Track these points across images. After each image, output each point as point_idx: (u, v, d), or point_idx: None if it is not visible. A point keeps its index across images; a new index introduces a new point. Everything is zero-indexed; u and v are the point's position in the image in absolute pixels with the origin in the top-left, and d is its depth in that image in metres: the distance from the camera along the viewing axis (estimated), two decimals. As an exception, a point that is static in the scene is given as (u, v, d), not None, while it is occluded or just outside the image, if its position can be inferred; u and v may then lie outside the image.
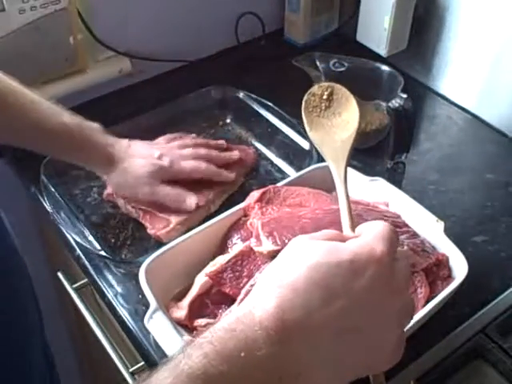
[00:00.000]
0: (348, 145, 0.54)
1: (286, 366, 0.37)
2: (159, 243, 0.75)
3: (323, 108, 0.58)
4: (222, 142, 0.88)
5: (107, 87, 1.01)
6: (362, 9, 1.02)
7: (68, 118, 0.73)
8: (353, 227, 0.47)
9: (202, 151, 0.82)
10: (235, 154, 0.85)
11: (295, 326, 0.37)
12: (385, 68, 0.91)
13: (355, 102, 0.57)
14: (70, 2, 0.89)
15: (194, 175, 0.79)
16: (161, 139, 0.84)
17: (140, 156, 0.77)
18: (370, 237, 0.42)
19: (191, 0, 1.05)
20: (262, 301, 0.38)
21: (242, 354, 0.36)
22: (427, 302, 0.64)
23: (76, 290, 0.84)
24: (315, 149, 0.54)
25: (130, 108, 0.95)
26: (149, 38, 1.03)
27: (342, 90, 0.57)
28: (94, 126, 0.76)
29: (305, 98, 0.57)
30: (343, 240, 0.43)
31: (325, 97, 0.58)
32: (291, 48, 1.12)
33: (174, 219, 0.76)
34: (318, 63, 0.89)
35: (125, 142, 0.78)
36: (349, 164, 0.53)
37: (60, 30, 0.90)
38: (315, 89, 0.57)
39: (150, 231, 0.76)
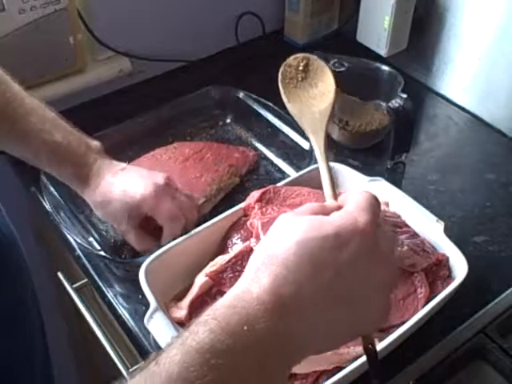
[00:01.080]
0: (325, 116, 0.56)
1: (284, 337, 0.40)
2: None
3: (299, 79, 0.59)
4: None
5: (107, 87, 1.01)
6: (362, 9, 1.02)
7: (60, 133, 0.70)
8: (334, 196, 0.50)
9: (184, 204, 0.73)
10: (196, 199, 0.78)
11: (289, 299, 0.40)
12: (385, 68, 0.91)
13: (331, 72, 0.59)
14: (70, 2, 0.89)
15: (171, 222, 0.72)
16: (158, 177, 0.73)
17: (123, 188, 0.70)
18: (353, 207, 0.44)
19: (191, 0, 1.05)
20: (257, 279, 0.41)
21: (245, 328, 0.38)
22: (427, 301, 0.64)
23: (76, 289, 0.84)
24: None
25: (130, 108, 0.95)
26: (149, 38, 1.03)
27: (317, 61, 0.59)
28: (91, 144, 0.73)
29: (281, 69, 0.59)
30: (327, 212, 0.45)
31: (301, 68, 0.60)
32: (291, 48, 1.12)
33: None
34: (318, 63, 0.89)
35: (119, 165, 0.73)
36: (327, 135, 0.55)
37: (60, 29, 0.90)
38: (291, 60, 0.59)
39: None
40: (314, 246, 0.41)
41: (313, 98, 0.58)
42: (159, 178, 0.72)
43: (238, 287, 0.42)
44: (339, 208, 0.46)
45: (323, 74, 0.59)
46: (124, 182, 0.71)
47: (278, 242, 0.43)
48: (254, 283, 0.41)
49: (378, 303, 0.44)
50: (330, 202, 0.49)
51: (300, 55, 0.59)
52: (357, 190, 0.46)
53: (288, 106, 0.57)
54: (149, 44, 1.03)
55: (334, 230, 0.42)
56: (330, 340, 0.44)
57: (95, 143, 0.74)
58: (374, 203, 0.45)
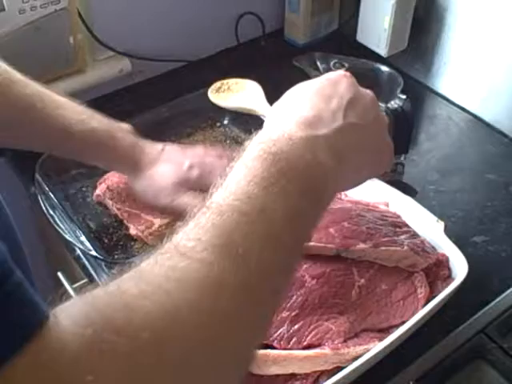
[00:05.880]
0: (260, 93, 0.77)
1: (322, 143, 0.47)
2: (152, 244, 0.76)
3: (226, 88, 0.81)
4: None
5: (107, 87, 1.01)
6: (362, 9, 1.02)
7: (96, 121, 0.71)
8: None
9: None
10: None
11: (312, 118, 0.48)
12: (385, 69, 0.91)
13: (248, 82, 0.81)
14: (70, 2, 0.89)
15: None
16: (200, 148, 0.79)
17: (169, 163, 0.74)
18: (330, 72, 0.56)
19: (191, 0, 1.05)
20: (278, 120, 0.49)
21: (286, 136, 0.45)
22: (427, 301, 0.64)
23: (76, 290, 0.84)
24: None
25: (130, 108, 0.95)
26: (149, 38, 1.03)
27: (231, 80, 0.83)
28: (124, 128, 0.74)
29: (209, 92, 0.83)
30: None
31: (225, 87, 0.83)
32: (291, 48, 1.12)
33: (157, 221, 0.76)
34: (318, 63, 0.89)
35: (158, 146, 0.75)
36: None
37: (60, 29, 0.90)
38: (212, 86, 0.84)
39: (132, 232, 0.77)
40: (314, 87, 0.52)
41: (242, 93, 0.79)
42: (197, 149, 0.79)
43: (265, 126, 0.49)
44: None
45: (240, 84, 0.81)
46: (169, 157, 0.75)
47: (282, 102, 0.52)
48: (279, 118, 0.49)
49: (380, 135, 0.55)
50: None
51: (218, 82, 0.83)
52: None
53: (226, 104, 0.80)
54: (149, 44, 1.03)
55: (323, 77, 0.54)
56: (356, 159, 0.51)
57: (126, 126, 0.76)
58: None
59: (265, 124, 0.50)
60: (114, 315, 0.33)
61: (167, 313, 0.34)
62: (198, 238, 0.38)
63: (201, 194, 0.72)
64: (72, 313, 0.32)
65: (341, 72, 0.54)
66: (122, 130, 0.74)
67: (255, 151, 0.44)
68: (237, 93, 0.79)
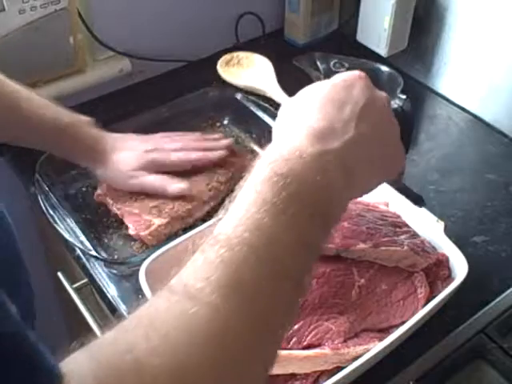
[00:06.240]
0: (270, 71, 0.77)
1: (331, 156, 0.45)
2: (152, 244, 0.76)
3: (235, 62, 0.79)
4: (218, 134, 0.89)
5: (107, 87, 1.01)
6: (362, 9, 1.02)
7: (58, 112, 0.74)
8: None
9: (193, 143, 0.83)
10: (225, 142, 0.86)
11: (324, 130, 0.46)
12: (385, 69, 0.91)
13: (259, 57, 0.80)
14: (70, 2, 0.89)
15: (185, 166, 0.80)
16: (157, 135, 0.85)
17: (131, 149, 0.78)
18: (342, 73, 0.52)
19: (191, 0, 1.05)
20: (290, 130, 0.47)
21: (297, 153, 0.44)
22: (427, 301, 0.64)
23: (76, 289, 0.84)
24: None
25: (130, 108, 0.95)
26: (149, 38, 1.03)
27: (241, 53, 0.81)
28: (84, 120, 0.77)
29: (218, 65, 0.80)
30: None
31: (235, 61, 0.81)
32: (291, 48, 1.12)
33: (157, 221, 0.77)
34: (318, 63, 0.89)
35: (116, 135, 0.79)
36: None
37: (60, 29, 0.90)
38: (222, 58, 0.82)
39: (132, 232, 0.77)
40: (327, 91, 0.49)
41: (252, 69, 0.76)
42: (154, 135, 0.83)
43: (275, 140, 0.47)
44: None
45: (250, 58, 0.78)
46: (129, 145, 0.79)
47: (293, 107, 0.50)
48: (289, 131, 0.47)
49: (393, 140, 0.54)
50: None
51: (227, 55, 0.80)
52: None
53: (235, 81, 0.74)
54: (149, 44, 1.03)
55: (337, 79, 0.50)
56: (368, 169, 0.50)
57: (86, 118, 0.78)
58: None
59: (274, 132, 0.49)
60: (124, 375, 0.33)
61: (176, 370, 0.35)
62: (207, 278, 0.38)
63: (164, 175, 0.78)
64: (81, 373, 0.32)
65: (355, 73, 0.51)
66: (82, 122, 0.77)
67: (265, 172, 0.43)
68: (247, 68, 0.77)
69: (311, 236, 0.43)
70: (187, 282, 0.38)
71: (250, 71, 0.76)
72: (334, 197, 0.45)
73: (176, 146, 0.81)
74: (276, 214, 0.40)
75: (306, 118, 0.47)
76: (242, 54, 0.78)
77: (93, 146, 0.77)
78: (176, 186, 0.78)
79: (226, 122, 0.96)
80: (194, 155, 0.81)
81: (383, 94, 0.53)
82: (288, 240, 0.41)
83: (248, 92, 0.94)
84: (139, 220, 0.77)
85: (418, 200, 0.66)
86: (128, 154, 0.78)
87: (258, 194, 0.42)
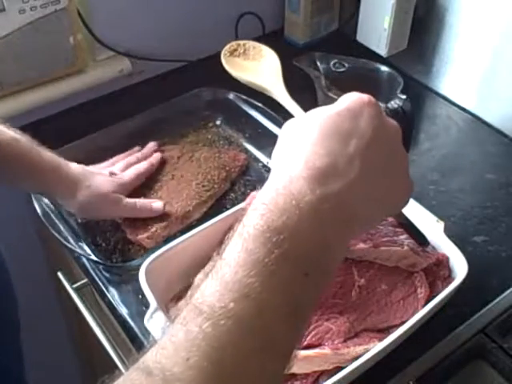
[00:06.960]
0: (278, 69, 0.66)
1: (331, 202, 0.42)
2: (150, 247, 0.76)
3: (241, 52, 0.70)
4: (152, 144, 0.89)
5: (107, 87, 1.01)
6: (362, 9, 1.02)
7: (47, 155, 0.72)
8: None
9: (132, 160, 0.84)
10: (150, 145, 0.88)
11: (327, 169, 0.42)
12: (384, 69, 0.91)
13: (264, 46, 0.70)
14: (70, 2, 0.89)
15: (140, 179, 0.82)
16: (98, 165, 0.83)
17: (98, 174, 0.77)
18: (349, 95, 0.47)
19: (191, 0, 1.05)
20: (290, 164, 0.43)
21: (294, 203, 0.40)
22: (427, 301, 0.64)
23: (76, 289, 0.84)
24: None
25: (130, 108, 0.95)
26: (149, 38, 1.03)
27: (248, 43, 0.72)
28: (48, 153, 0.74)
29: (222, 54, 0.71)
30: None
31: (238, 50, 0.72)
32: (291, 48, 1.12)
33: (155, 225, 0.77)
34: (318, 63, 0.89)
35: (75, 164, 0.76)
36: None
37: (60, 30, 0.90)
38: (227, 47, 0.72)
39: (130, 236, 0.77)
40: (332, 121, 0.44)
41: (258, 62, 0.67)
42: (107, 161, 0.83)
43: (273, 178, 0.43)
44: None
45: (258, 49, 0.69)
46: (93, 172, 0.77)
47: (295, 135, 0.46)
48: (288, 168, 0.43)
49: (401, 174, 0.49)
50: None
51: (234, 43, 0.71)
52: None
53: (237, 75, 0.65)
54: (149, 44, 1.03)
55: (343, 105, 0.45)
56: (370, 210, 0.46)
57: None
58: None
59: (273, 161, 0.46)
60: None
61: None
62: (187, 359, 0.35)
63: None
64: None
65: (363, 98, 0.46)
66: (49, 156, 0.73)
67: (258, 225, 0.39)
68: (253, 61, 0.70)
69: (303, 298, 0.40)
70: (165, 364, 0.35)
71: (255, 65, 0.70)
72: (330, 252, 0.42)
73: (119, 166, 0.82)
74: (267, 277, 0.37)
75: (308, 152, 0.43)
76: (249, 43, 0.72)
77: (62, 178, 0.73)
78: (157, 205, 0.79)
79: (218, 122, 0.96)
80: (142, 167, 0.82)
81: (393, 122, 0.49)
82: (278, 304, 0.38)
83: (244, 89, 0.94)
84: (137, 224, 0.77)
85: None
86: (98, 178, 0.76)
87: (247, 253, 0.38)
